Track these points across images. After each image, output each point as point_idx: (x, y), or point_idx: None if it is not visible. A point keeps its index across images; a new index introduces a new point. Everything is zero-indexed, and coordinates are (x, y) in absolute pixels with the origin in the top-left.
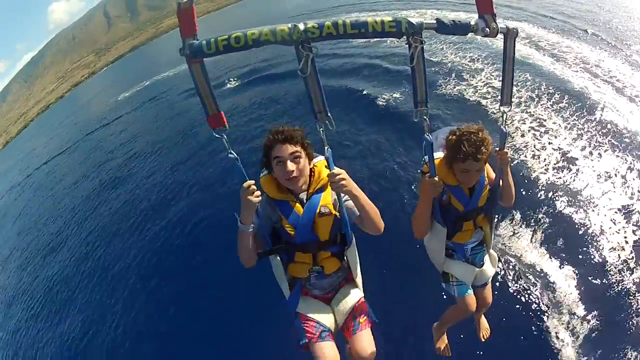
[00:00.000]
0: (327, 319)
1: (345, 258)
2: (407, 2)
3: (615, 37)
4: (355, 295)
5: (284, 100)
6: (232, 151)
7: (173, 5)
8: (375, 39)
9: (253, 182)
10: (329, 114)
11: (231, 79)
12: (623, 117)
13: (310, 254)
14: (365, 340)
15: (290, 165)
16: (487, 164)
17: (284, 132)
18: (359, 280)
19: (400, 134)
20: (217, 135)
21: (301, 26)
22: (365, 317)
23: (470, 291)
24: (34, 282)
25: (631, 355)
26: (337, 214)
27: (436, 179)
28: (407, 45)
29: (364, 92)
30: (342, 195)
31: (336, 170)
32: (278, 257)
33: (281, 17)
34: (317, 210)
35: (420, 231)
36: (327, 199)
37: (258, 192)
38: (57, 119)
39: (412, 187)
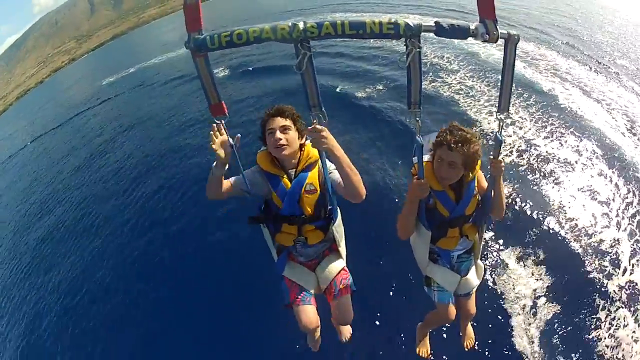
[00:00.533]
0: (309, 284)
1: (330, 230)
2: (392, 6)
3: (589, 48)
4: (338, 264)
5: (273, 91)
6: (230, 138)
7: None
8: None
9: (237, 138)
10: (322, 108)
11: (220, 68)
12: (586, 114)
13: (296, 226)
14: (344, 305)
15: (279, 135)
16: (481, 174)
17: (277, 107)
18: (342, 251)
19: (379, 129)
20: (217, 122)
21: (301, 25)
22: (346, 284)
23: (451, 299)
24: (24, 246)
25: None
26: (322, 190)
27: (423, 181)
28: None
29: (344, 89)
30: (328, 166)
31: (318, 126)
32: (266, 228)
33: (266, 15)
34: (303, 187)
35: (404, 231)
36: (314, 177)
37: (218, 144)
38: (38, 103)
39: (387, 179)
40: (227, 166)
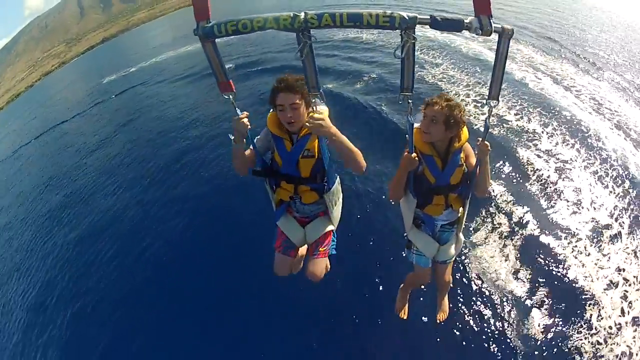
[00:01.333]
0: (296, 238)
1: (324, 196)
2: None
3: (568, 43)
4: (328, 227)
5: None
6: (238, 111)
7: None
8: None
9: (245, 115)
10: (320, 90)
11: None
12: (555, 99)
13: (293, 185)
14: (319, 265)
15: (289, 113)
16: (470, 149)
17: (287, 81)
18: (334, 218)
19: (367, 118)
20: (225, 97)
21: (302, 15)
22: (326, 247)
23: (428, 263)
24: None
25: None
26: (319, 156)
27: (413, 155)
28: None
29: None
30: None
31: (316, 114)
32: (267, 184)
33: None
34: (302, 152)
35: (394, 195)
36: (313, 143)
37: (246, 121)
38: (32, 106)
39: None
40: (244, 140)
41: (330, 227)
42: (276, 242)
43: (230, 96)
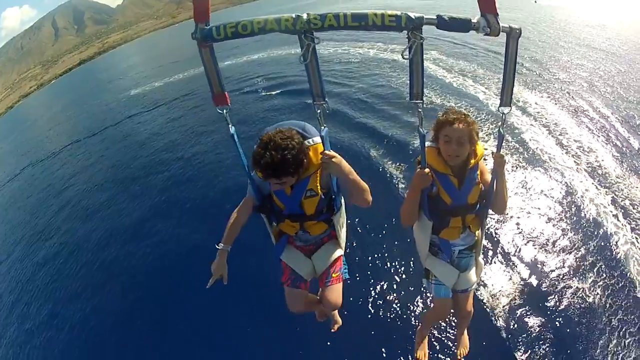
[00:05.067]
0: (303, 269)
1: (332, 222)
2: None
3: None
4: (336, 253)
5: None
6: (232, 126)
7: (119, 20)
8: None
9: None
10: (325, 98)
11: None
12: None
13: (298, 222)
14: (334, 292)
15: (281, 186)
16: (484, 166)
17: (273, 166)
18: (342, 240)
19: (376, 124)
20: (219, 111)
21: (304, 17)
22: (339, 273)
23: (449, 293)
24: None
25: None
26: (323, 192)
27: (426, 170)
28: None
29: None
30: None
31: (329, 152)
32: (266, 218)
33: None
34: (304, 193)
35: (407, 219)
36: (314, 182)
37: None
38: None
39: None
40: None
41: (340, 252)
42: (283, 277)
43: (225, 110)
